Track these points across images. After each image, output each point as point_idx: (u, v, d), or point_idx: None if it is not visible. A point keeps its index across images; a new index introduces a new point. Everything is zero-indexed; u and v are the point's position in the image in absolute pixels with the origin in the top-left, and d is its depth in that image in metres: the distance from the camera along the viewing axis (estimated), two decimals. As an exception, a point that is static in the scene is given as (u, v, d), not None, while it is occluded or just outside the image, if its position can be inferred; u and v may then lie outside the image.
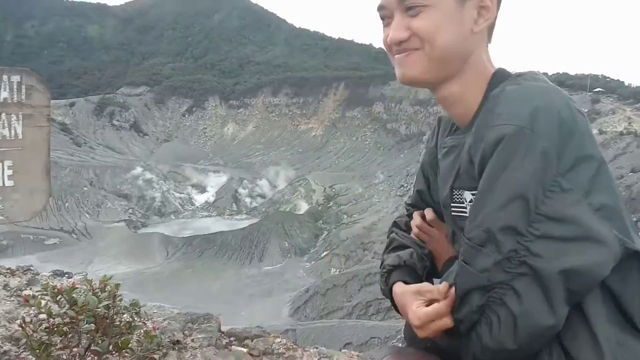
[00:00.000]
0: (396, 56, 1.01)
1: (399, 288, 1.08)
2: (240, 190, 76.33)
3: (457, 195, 1.03)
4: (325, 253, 54.51)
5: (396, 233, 1.27)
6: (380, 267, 1.21)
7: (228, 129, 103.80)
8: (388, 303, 1.13)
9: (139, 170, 75.34)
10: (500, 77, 1.03)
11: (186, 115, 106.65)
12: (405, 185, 60.62)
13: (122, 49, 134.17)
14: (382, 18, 1.04)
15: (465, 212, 1.00)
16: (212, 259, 54.51)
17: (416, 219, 1.23)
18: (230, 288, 46.29)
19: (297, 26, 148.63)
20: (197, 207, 75.00)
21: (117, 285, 1.48)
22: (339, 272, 46.88)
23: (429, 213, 1.22)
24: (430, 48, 0.97)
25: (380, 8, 1.03)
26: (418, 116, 78.83)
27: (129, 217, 66.98)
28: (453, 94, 1.04)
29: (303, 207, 67.95)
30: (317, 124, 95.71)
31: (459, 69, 1.01)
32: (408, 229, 1.27)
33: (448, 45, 0.97)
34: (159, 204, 72.38)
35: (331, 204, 67.37)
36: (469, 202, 0.99)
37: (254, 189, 76.97)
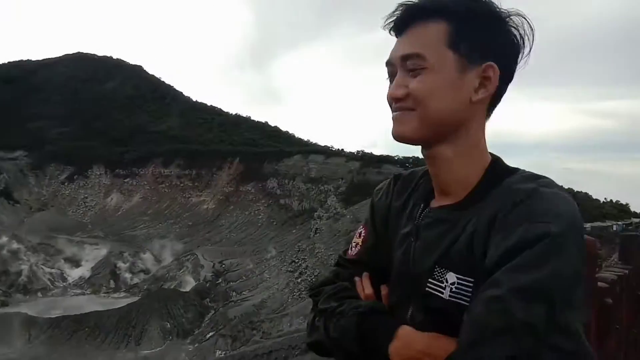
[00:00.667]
0: (393, 113, 1.02)
1: (414, 334, 0.96)
2: (120, 265, 70.74)
3: (439, 272, 0.98)
4: (210, 334, 51.54)
5: (351, 283, 1.18)
6: (331, 306, 1.11)
7: (112, 199, 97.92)
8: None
9: (3, 240, 67.60)
10: (504, 166, 1.04)
11: (66, 184, 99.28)
12: (297, 260, 60.25)
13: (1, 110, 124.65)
14: (389, 74, 1.04)
15: (442, 293, 0.96)
16: (83, 342, 49.26)
17: (367, 288, 1.15)
18: (101, 376, 41.78)
19: (194, 99, 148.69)
20: (70, 284, 67.93)
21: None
22: (224, 354, 44.43)
23: (384, 289, 1.15)
24: (423, 111, 0.97)
25: (388, 64, 1.03)
26: (310, 193, 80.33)
27: (-14, 295, 59.02)
28: (443, 157, 1.02)
29: (189, 284, 64.44)
30: (209, 197, 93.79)
31: (452, 133, 1.00)
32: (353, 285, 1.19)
33: (441, 110, 0.97)
34: (24, 279, 64.73)
35: (220, 280, 64.68)
36: (451, 283, 0.94)
37: (136, 263, 71.87)
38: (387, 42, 1.04)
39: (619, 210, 75.94)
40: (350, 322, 1.03)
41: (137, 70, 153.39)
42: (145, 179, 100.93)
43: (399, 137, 1.01)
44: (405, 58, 0.98)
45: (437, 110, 0.96)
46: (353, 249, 1.23)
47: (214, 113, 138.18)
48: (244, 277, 64.76)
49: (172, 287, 64.12)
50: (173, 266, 70.63)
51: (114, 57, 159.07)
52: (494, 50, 0.97)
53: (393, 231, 1.16)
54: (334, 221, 59.00)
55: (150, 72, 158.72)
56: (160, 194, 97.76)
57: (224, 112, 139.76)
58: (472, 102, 0.97)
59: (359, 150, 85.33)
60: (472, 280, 0.92)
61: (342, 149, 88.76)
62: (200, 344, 50.35)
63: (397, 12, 1.00)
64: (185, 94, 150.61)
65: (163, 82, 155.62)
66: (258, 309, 54.03)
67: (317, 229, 61.57)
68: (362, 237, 1.23)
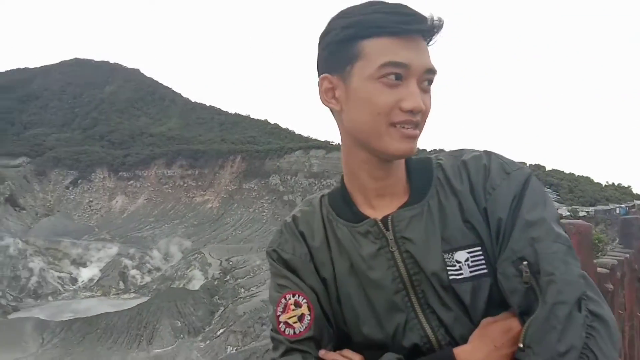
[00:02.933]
0: (409, 130, 0.95)
1: (466, 347, 0.92)
2: (129, 266, 71.40)
3: (449, 258, 0.96)
4: (221, 331, 51.90)
5: None
6: None
7: (117, 201, 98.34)
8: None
9: (12, 246, 68.03)
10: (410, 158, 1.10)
11: (70, 188, 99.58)
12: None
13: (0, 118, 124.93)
14: (398, 77, 0.93)
15: (462, 273, 0.95)
16: (95, 344, 49.59)
17: (355, 355, 1.00)
18: (115, 375, 42.27)
19: (193, 100, 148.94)
20: (79, 287, 68.49)
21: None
22: (236, 350, 44.81)
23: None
24: (422, 128, 0.98)
25: (402, 66, 0.93)
26: (313, 188, 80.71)
27: (-3, 301, 59.54)
28: (396, 165, 1.04)
29: (198, 282, 64.92)
30: (213, 196, 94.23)
31: None
32: None
33: None
34: (34, 284, 65.21)
35: (228, 277, 65.15)
36: (465, 260, 0.95)
37: (145, 264, 72.46)
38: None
39: (622, 192, 76.05)
40: None
41: (135, 74, 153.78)
42: (148, 180, 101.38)
43: (409, 154, 0.98)
44: (430, 71, 0.96)
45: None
46: (296, 324, 1.01)
47: (213, 112, 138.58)
48: (251, 274, 65.09)
49: (181, 286, 64.60)
50: (181, 265, 71.15)
51: (111, 61, 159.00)
52: None
53: (329, 270, 1.05)
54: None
55: (148, 74, 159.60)
56: (164, 195, 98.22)
57: (223, 111, 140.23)
58: None
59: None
60: (479, 247, 0.95)
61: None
62: (212, 341, 50.73)
63: (414, 17, 0.94)
64: (184, 95, 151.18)
65: (161, 84, 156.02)
66: (267, 304, 54.10)
67: (321, 223, 61.89)
68: (304, 305, 1.02)
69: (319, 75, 1.02)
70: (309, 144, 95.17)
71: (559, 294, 0.84)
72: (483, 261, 0.95)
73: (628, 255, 4.14)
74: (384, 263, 0.99)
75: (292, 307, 1.02)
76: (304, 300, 1.02)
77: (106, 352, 48.52)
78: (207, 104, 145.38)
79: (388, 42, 0.92)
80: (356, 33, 0.94)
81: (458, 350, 0.91)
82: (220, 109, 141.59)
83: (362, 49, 0.94)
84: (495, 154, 1.03)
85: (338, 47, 0.96)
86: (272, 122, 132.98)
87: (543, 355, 0.82)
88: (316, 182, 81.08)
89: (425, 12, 0.94)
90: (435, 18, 0.95)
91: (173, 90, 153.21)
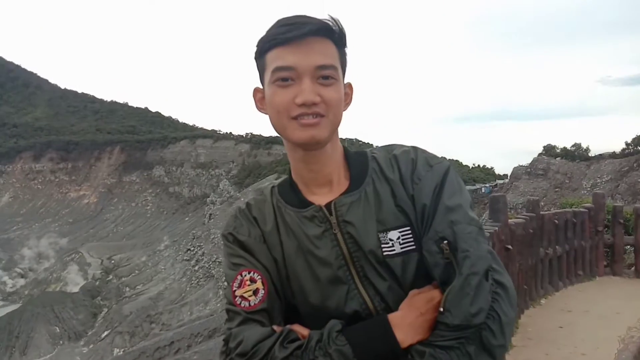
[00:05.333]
0: (306, 119, 1.09)
1: (399, 312, 1.08)
2: (-6, 272, 64.70)
3: (383, 237, 1.13)
4: (106, 333, 49.22)
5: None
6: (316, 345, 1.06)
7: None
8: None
9: None
10: (349, 149, 1.26)
11: None
12: (192, 248, 59.09)
13: None
14: (284, 79, 1.10)
15: (394, 249, 1.12)
16: (-43, 361, 44.65)
17: (303, 329, 1.13)
18: (-16, 393, 38.35)
19: (63, 87, 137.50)
20: None
21: None
22: (123, 351, 42.75)
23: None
24: (333, 117, 1.12)
25: (287, 69, 1.09)
26: (201, 179, 78.76)
27: None
28: (327, 154, 1.18)
29: (77, 284, 60.67)
30: (89, 191, 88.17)
31: (334, 134, 1.19)
32: None
33: (340, 117, 1.15)
34: None
35: (111, 276, 61.69)
36: (396, 239, 1.13)
37: (13, 269, 66.02)
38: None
39: (486, 173, 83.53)
40: (341, 347, 1.04)
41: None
42: (13, 176, 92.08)
43: (314, 141, 1.12)
44: (321, 68, 1.10)
45: (339, 117, 1.15)
46: (251, 298, 1.15)
47: (86, 100, 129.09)
48: (136, 271, 62.31)
49: (57, 289, 60.01)
50: (56, 267, 65.88)
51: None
52: (345, 71, 1.20)
53: (279, 251, 1.20)
54: (228, 205, 58.48)
55: (8, 58, 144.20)
56: (33, 191, 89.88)
57: (97, 98, 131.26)
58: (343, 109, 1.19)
59: (247, 132, 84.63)
60: (409, 227, 1.13)
61: (231, 132, 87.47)
62: (95, 344, 47.97)
63: (295, 25, 1.09)
64: (52, 81, 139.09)
65: (24, 69, 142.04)
66: (155, 301, 52.48)
67: (211, 214, 60.53)
68: (259, 281, 1.16)
69: None
70: (194, 133, 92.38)
71: (472, 267, 1.03)
72: (412, 239, 1.13)
73: (497, 228, 4.70)
74: (328, 243, 1.15)
75: (248, 282, 1.15)
76: (259, 277, 1.16)
77: (-29, 369, 43.93)
78: (79, 91, 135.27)
79: (279, 51, 1.09)
80: (262, 48, 1.13)
81: (391, 316, 1.07)
82: (94, 97, 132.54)
83: (265, 61, 1.13)
84: (420, 149, 1.22)
85: (256, 63, 1.17)
86: (153, 111, 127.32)
87: (459, 316, 1.00)
88: (204, 173, 79.03)
89: (319, 17, 1.12)
90: (328, 20, 1.12)
91: (39, 76, 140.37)
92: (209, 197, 67.56)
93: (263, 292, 1.15)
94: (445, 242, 1.07)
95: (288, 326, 1.13)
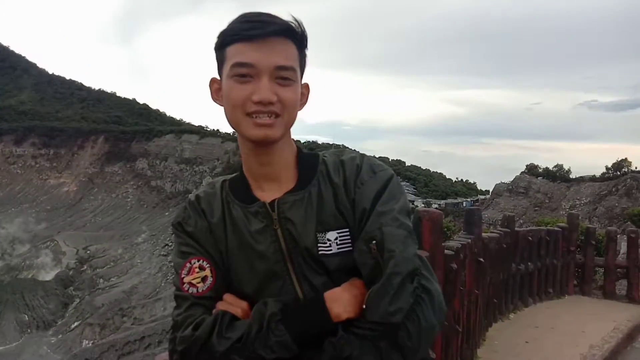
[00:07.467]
0: (261, 119, 1.13)
1: (336, 290, 1.13)
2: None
3: (321, 237, 1.17)
4: (76, 324, 48.52)
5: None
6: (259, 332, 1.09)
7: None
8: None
9: None
10: (304, 150, 1.29)
11: None
12: (170, 244, 58.54)
13: None
14: (243, 75, 1.13)
15: (331, 249, 1.17)
16: None
17: (238, 301, 1.19)
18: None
19: (50, 72, 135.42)
20: None
21: None
22: (92, 343, 42.20)
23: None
24: (288, 117, 1.16)
25: (247, 65, 1.12)
26: (184, 174, 78.08)
27: None
28: (279, 152, 1.22)
29: (50, 272, 59.68)
30: (70, 179, 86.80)
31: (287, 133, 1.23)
32: None
33: (295, 117, 1.19)
34: None
35: (85, 267, 60.80)
36: (334, 239, 1.17)
37: (-16, 253, 64.72)
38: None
39: (468, 188, 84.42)
40: (281, 338, 1.08)
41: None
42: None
43: (268, 140, 1.16)
44: (281, 68, 1.13)
45: (294, 117, 1.19)
46: (199, 284, 1.19)
47: (74, 87, 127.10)
48: (111, 263, 61.51)
49: (29, 276, 58.91)
50: (30, 254, 64.70)
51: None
52: (303, 72, 1.23)
53: (224, 244, 1.23)
54: (209, 203, 58.12)
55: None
56: (12, 176, 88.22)
57: (85, 86, 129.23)
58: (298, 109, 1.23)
59: (234, 131, 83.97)
60: (347, 229, 1.17)
61: (218, 130, 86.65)
62: (64, 335, 47.26)
63: (259, 23, 1.13)
64: (40, 65, 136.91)
65: (12, 51, 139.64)
66: (128, 295, 51.91)
67: (191, 210, 60.17)
68: (207, 269, 1.21)
69: None
70: (181, 128, 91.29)
71: (395, 267, 1.07)
72: (349, 241, 1.17)
73: (470, 240, 4.76)
74: (268, 238, 1.19)
75: (197, 270, 1.20)
76: (207, 265, 1.21)
77: None
78: (67, 77, 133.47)
79: (240, 46, 1.12)
80: (223, 41, 1.15)
81: (328, 293, 1.12)
82: (82, 84, 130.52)
83: (225, 54, 1.15)
84: (367, 156, 1.26)
85: (216, 54, 1.19)
86: (140, 102, 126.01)
87: (377, 313, 1.04)
88: (188, 168, 78.32)
89: (284, 18, 1.15)
90: (292, 21, 1.15)
91: (27, 59, 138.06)
92: (191, 193, 66.91)
93: (211, 279, 1.19)
94: (374, 242, 1.10)
95: (222, 309, 1.15)
